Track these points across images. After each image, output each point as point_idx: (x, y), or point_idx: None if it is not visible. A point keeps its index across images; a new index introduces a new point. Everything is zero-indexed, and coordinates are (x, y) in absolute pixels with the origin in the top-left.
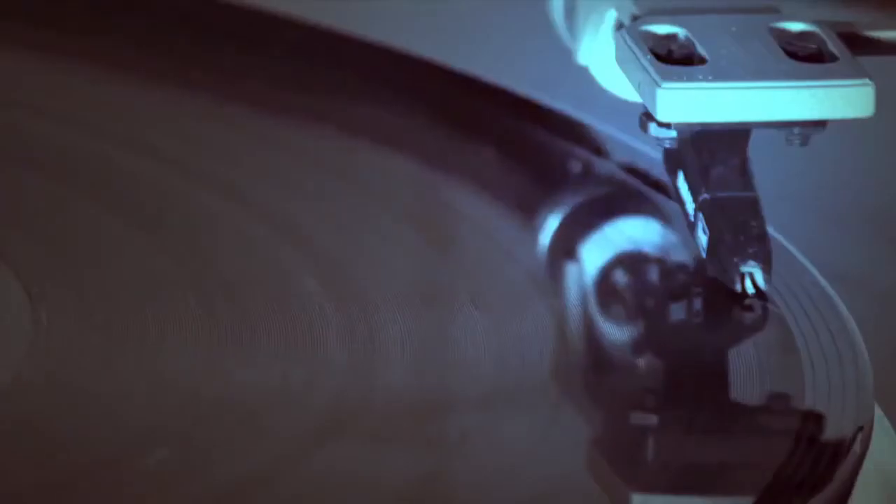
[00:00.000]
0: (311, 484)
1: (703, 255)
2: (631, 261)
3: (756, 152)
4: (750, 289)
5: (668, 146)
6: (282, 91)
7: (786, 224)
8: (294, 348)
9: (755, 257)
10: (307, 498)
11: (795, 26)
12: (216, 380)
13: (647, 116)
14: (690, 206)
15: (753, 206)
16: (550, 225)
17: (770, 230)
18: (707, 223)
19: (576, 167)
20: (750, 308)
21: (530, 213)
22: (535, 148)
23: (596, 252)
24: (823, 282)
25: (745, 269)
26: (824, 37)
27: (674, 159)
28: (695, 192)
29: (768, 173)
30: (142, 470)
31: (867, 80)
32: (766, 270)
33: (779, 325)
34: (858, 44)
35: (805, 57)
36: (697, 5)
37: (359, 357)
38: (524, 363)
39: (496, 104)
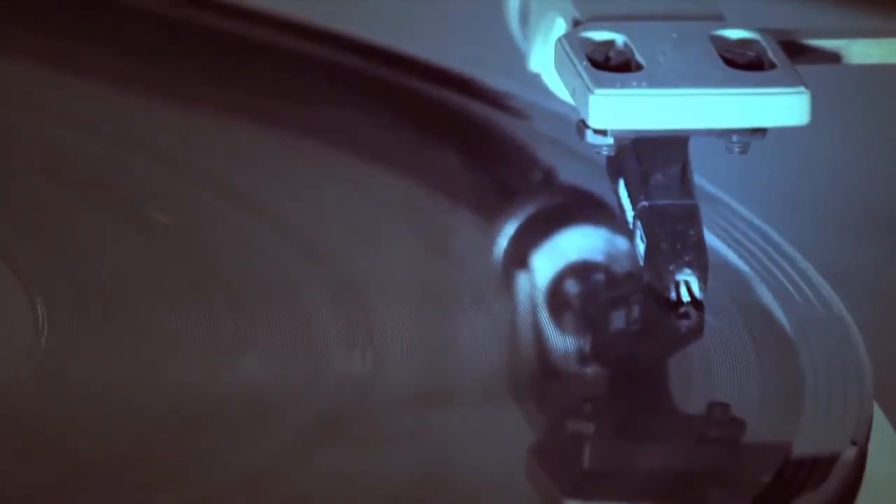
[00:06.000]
0: (311, 484)
1: (641, 263)
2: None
3: (755, 153)
4: (685, 297)
5: (605, 153)
6: (281, 93)
7: (786, 224)
8: (294, 348)
9: (691, 265)
10: (307, 498)
11: (736, 34)
12: (216, 380)
13: (584, 124)
14: (630, 213)
15: (692, 214)
16: (551, 223)
17: (769, 230)
18: (645, 231)
19: (577, 164)
20: (686, 316)
21: (530, 212)
22: (535, 146)
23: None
24: (823, 282)
25: (680, 277)
26: (764, 45)
27: (615, 167)
28: (634, 200)
29: (768, 174)
30: (142, 469)
31: (802, 88)
32: (702, 279)
33: (778, 325)
34: (801, 52)
35: (743, 64)
36: (643, 11)
37: (359, 357)
38: (524, 362)
39: (497, 104)
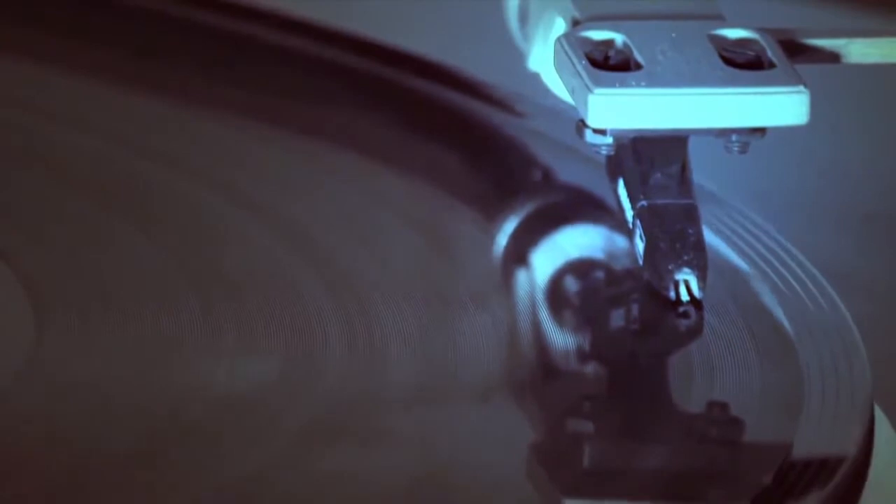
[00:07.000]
0: (311, 484)
1: (640, 262)
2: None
3: (755, 152)
4: (684, 296)
5: (605, 153)
6: (281, 92)
7: (786, 224)
8: (294, 348)
9: (690, 265)
10: (307, 498)
11: (735, 33)
12: (216, 380)
13: (583, 123)
14: (630, 213)
15: (691, 214)
16: (549, 223)
17: (769, 230)
18: (644, 230)
19: (576, 163)
20: (685, 315)
21: (530, 210)
22: (535, 145)
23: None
24: (824, 281)
25: (679, 276)
26: (764, 44)
27: (614, 166)
28: (633, 199)
29: (768, 174)
30: (142, 470)
31: (801, 88)
32: (702, 278)
33: (778, 325)
34: (801, 52)
35: (743, 64)
36: (642, 11)
37: (359, 357)
38: (524, 361)
39: (497, 104)
